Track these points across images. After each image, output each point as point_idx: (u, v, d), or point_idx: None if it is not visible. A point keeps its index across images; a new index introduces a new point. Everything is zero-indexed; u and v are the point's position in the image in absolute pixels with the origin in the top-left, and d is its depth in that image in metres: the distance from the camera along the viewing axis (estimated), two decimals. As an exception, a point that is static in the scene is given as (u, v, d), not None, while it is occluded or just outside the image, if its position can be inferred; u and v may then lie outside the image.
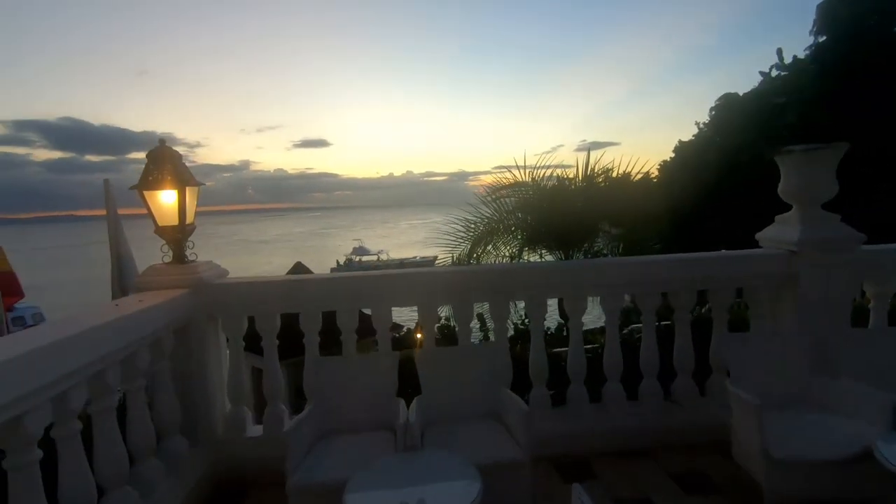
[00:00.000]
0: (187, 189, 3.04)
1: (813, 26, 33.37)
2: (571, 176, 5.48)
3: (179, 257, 3.11)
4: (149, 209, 3.03)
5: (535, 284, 3.34)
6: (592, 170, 5.48)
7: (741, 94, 39.62)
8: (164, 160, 3.00)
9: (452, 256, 6.00)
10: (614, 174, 5.96)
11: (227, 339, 3.26)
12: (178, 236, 3.09)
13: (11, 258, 4.77)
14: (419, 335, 12.29)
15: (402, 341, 15.96)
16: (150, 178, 2.97)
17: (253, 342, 3.21)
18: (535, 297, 3.33)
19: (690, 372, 3.46)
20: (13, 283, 4.59)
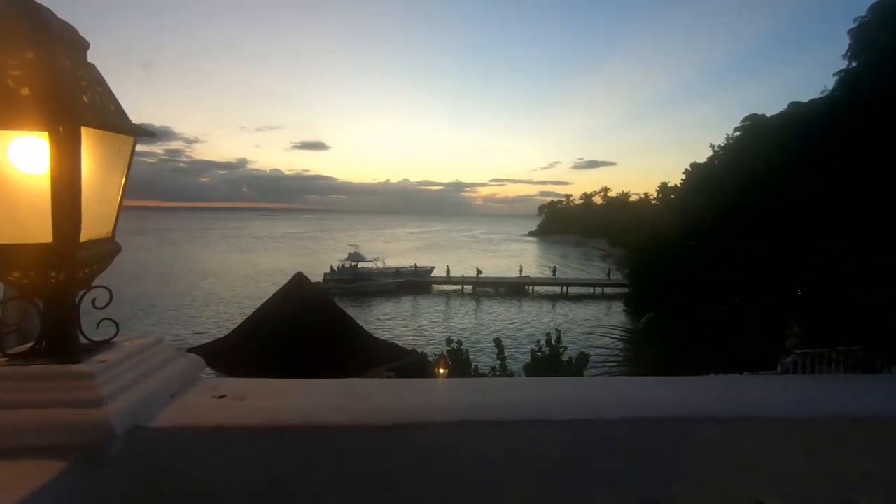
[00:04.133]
0: (85, 133, 0.98)
1: (847, 51, 32.15)
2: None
3: (54, 347, 1.05)
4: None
5: None
6: None
7: (768, 115, 38.27)
8: None
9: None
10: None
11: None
12: (43, 281, 1.02)
13: None
14: (442, 370, 10.12)
15: (411, 370, 13.67)
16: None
17: None
18: None
19: None
20: None
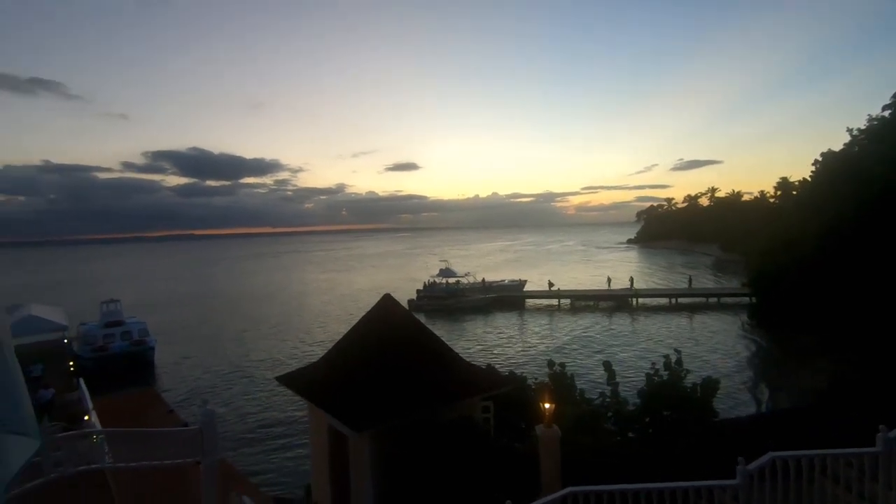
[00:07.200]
0: None
1: None
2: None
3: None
4: None
5: None
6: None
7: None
8: None
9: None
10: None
11: None
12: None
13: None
14: (547, 405, 8.77)
15: (511, 399, 12.42)
16: None
17: None
18: None
19: None
20: None
